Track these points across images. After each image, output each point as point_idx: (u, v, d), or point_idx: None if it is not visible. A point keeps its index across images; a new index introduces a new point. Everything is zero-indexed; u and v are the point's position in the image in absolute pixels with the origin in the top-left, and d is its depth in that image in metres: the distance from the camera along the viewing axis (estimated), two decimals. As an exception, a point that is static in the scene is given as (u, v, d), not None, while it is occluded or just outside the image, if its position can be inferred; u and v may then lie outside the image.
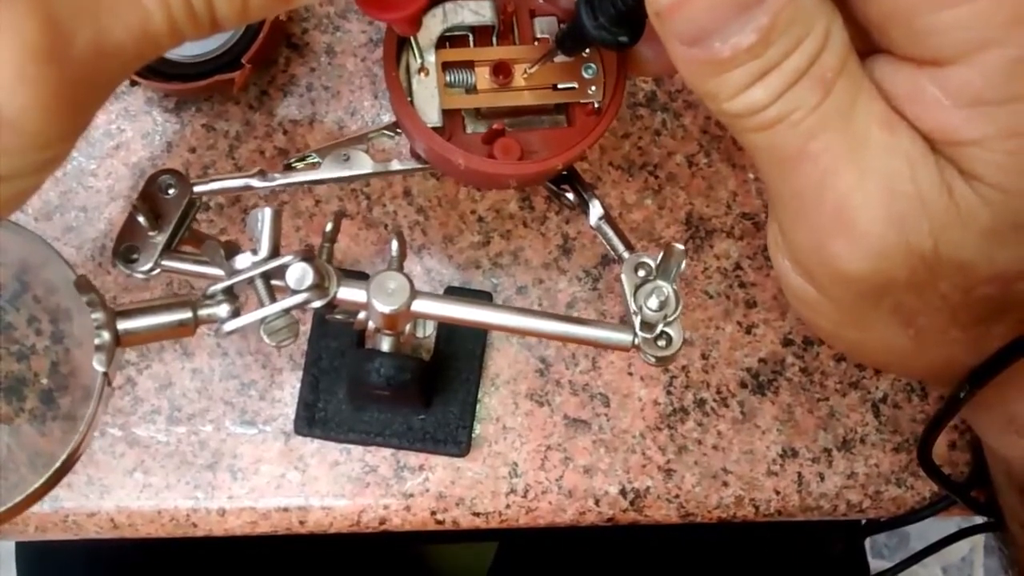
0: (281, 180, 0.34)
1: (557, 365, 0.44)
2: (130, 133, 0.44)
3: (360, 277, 0.32)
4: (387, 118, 0.45)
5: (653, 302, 0.31)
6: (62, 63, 0.22)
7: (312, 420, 0.42)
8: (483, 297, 0.44)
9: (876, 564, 0.84)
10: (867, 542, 0.61)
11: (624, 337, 0.32)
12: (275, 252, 0.31)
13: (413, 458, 0.43)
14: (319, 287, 0.31)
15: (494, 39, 0.32)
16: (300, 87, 0.45)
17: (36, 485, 0.29)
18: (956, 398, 0.33)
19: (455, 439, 0.42)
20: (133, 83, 0.43)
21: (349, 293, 0.32)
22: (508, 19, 0.32)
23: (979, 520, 0.46)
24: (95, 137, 0.44)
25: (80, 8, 0.22)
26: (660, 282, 0.31)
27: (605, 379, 0.44)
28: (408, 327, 0.37)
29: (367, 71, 0.45)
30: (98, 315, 0.30)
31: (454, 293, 0.44)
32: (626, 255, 0.32)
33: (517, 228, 0.45)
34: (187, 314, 0.31)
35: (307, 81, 0.45)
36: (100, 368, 0.29)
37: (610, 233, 0.33)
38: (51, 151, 0.23)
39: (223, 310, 0.31)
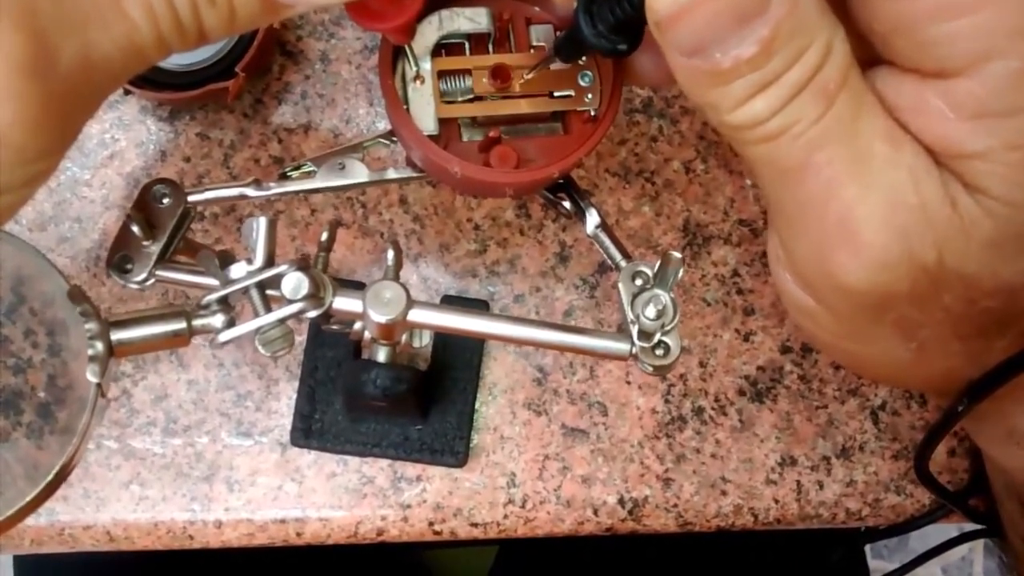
0: (276, 189, 0.34)
1: (555, 374, 0.44)
2: (124, 142, 0.44)
3: (356, 287, 0.31)
4: (383, 125, 0.44)
5: (651, 311, 0.30)
6: (48, 77, 0.21)
7: (308, 431, 0.42)
8: (480, 306, 0.44)
9: (876, 564, 0.84)
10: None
11: (622, 346, 0.31)
12: (270, 262, 0.31)
13: (410, 469, 0.43)
14: (314, 297, 0.30)
15: (490, 47, 0.32)
16: (295, 95, 0.45)
17: (29, 497, 0.29)
18: (954, 411, 0.33)
19: (452, 449, 0.42)
20: (127, 92, 0.42)
21: (345, 303, 0.31)
22: (504, 27, 0.32)
23: (980, 526, 0.46)
24: (89, 147, 0.44)
25: (66, 22, 0.22)
26: (657, 291, 0.31)
27: (603, 388, 0.44)
28: (404, 337, 0.37)
29: (362, 78, 0.45)
30: (91, 325, 0.29)
31: (450, 302, 0.43)
32: (623, 264, 0.32)
33: (514, 236, 0.45)
34: (181, 324, 0.31)
35: (302, 89, 0.45)
36: (93, 379, 0.29)
37: (607, 242, 0.33)
38: (39, 165, 0.23)
39: (218, 320, 0.31)
